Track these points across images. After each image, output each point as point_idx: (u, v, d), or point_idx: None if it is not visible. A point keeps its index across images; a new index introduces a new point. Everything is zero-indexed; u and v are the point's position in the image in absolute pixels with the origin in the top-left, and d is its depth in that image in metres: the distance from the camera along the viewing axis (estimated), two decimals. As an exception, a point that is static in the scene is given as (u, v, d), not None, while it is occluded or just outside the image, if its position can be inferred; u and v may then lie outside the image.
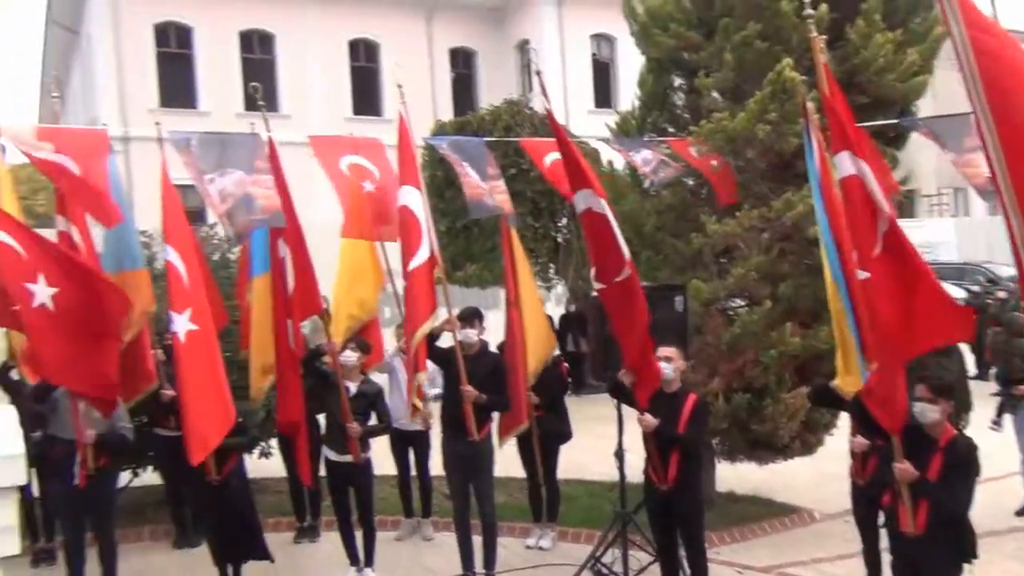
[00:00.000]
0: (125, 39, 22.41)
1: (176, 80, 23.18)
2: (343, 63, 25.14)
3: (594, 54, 26.77)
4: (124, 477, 7.74)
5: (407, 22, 25.55)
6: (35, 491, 7.10)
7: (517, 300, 6.92)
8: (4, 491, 2.29)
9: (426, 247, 6.02)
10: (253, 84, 7.05)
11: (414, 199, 6.14)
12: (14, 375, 7.16)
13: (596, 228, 5.66)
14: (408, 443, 7.50)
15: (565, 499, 7.49)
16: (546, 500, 7.22)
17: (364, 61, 25.62)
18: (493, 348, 6.88)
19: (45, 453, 6.26)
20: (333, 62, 24.80)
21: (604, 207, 5.59)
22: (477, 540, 6.34)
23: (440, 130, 14.22)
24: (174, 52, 23.39)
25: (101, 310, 5.60)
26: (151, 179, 6.37)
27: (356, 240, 7.40)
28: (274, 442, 8.00)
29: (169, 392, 6.86)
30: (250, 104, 6.29)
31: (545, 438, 7.05)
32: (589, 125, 18.74)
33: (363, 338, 6.90)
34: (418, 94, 22.03)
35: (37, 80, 32.74)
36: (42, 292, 5.09)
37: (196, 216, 15.65)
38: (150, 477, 8.12)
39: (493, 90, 23.79)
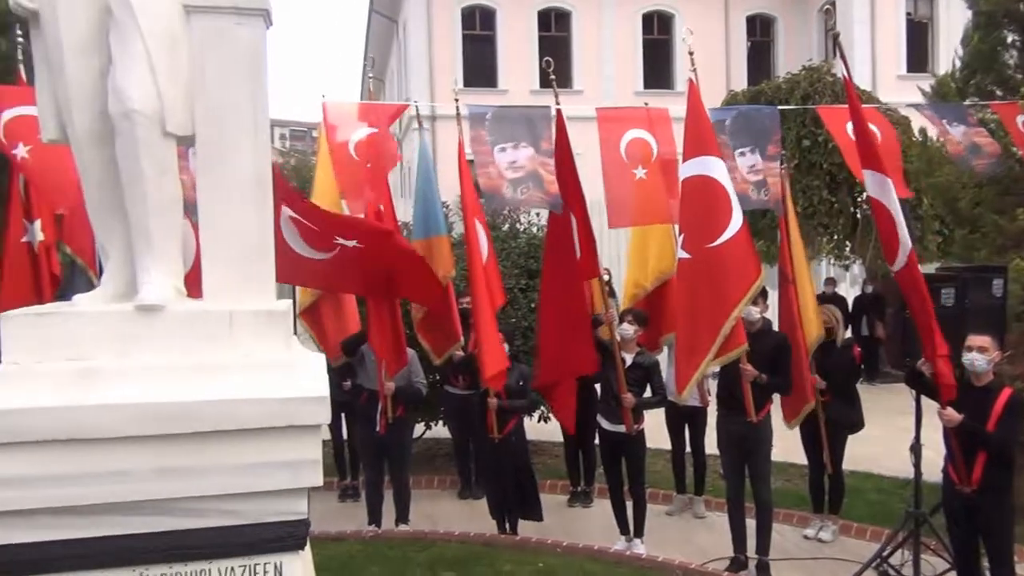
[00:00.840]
0: (436, 24, 24.03)
1: (479, 60, 24.47)
2: (636, 36, 25.09)
3: (908, 14, 24.40)
4: (418, 428, 8.42)
5: (704, -9, 24.98)
6: (344, 434, 7.93)
7: (794, 278, 6.58)
8: (311, 428, 2.53)
9: (738, 216, 5.79)
10: (546, 59, 7.24)
11: (716, 167, 5.89)
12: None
13: (879, 214, 5.24)
14: (685, 418, 7.41)
15: (850, 492, 7.00)
16: (829, 491, 6.80)
17: (657, 33, 25.39)
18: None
19: (353, 401, 6.97)
20: (626, 36, 24.85)
21: (887, 191, 5.15)
22: (750, 524, 6.13)
23: (732, 100, 13.75)
24: (478, 34, 24.69)
25: (399, 273, 6.09)
26: (452, 155, 6.80)
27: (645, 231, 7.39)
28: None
29: (459, 353, 7.33)
30: (545, 81, 6.49)
31: (832, 425, 6.63)
32: (900, 91, 17.23)
33: (642, 310, 6.90)
34: (711, 64, 21.46)
35: (360, 66, 36.14)
36: (343, 245, 5.58)
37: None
38: (441, 430, 8.74)
39: (792, 58, 22.56)
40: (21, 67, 6.39)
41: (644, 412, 6.46)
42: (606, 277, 7.15)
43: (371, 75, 14.77)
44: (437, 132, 21.28)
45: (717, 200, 5.81)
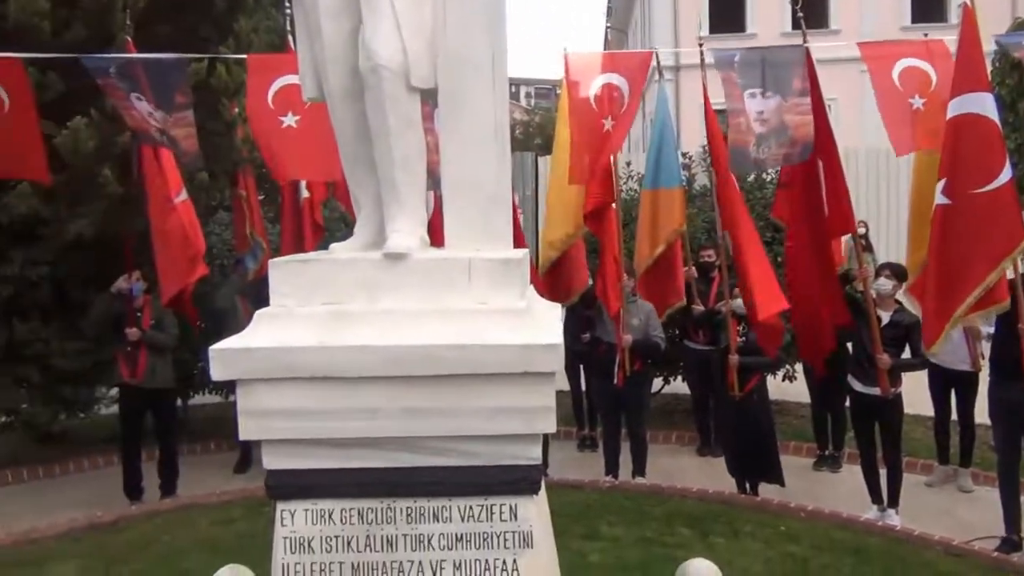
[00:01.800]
0: (681, -31, 23.30)
1: (726, 5, 23.45)
2: (904, -36, 22.93)
3: None
4: (657, 383, 8.36)
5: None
6: (583, 386, 8.05)
7: None
8: (545, 376, 2.55)
9: (1008, 166, 5.23)
10: (794, -6, 6.78)
11: (990, 105, 5.33)
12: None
13: None
14: (951, 383, 6.77)
15: None
16: None
17: (929, -41, 23.02)
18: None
19: (591, 352, 7.04)
20: (892, -35, 22.77)
21: None
22: (1025, 502, 5.53)
23: (1019, 27, 12.17)
24: (726, -25, 23.66)
25: None
26: (696, 105, 6.59)
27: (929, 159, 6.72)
28: (799, 366, 7.87)
29: (699, 307, 7.17)
30: (797, 22, 6.03)
31: None
32: None
33: (901, 263, 6.37)
34: (994, -10, 19.10)
35: (603, 20, 35.92)
36: None
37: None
38: (680, 386, 8.62)
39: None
40: (290, 37, 6.92)
41: (902, 375, 5.98)
42: (862, 231, 6.63)
43: (609, 25, 14.58)
44: (681, 82, 20.80)
45: (990, 141, 5.26)
